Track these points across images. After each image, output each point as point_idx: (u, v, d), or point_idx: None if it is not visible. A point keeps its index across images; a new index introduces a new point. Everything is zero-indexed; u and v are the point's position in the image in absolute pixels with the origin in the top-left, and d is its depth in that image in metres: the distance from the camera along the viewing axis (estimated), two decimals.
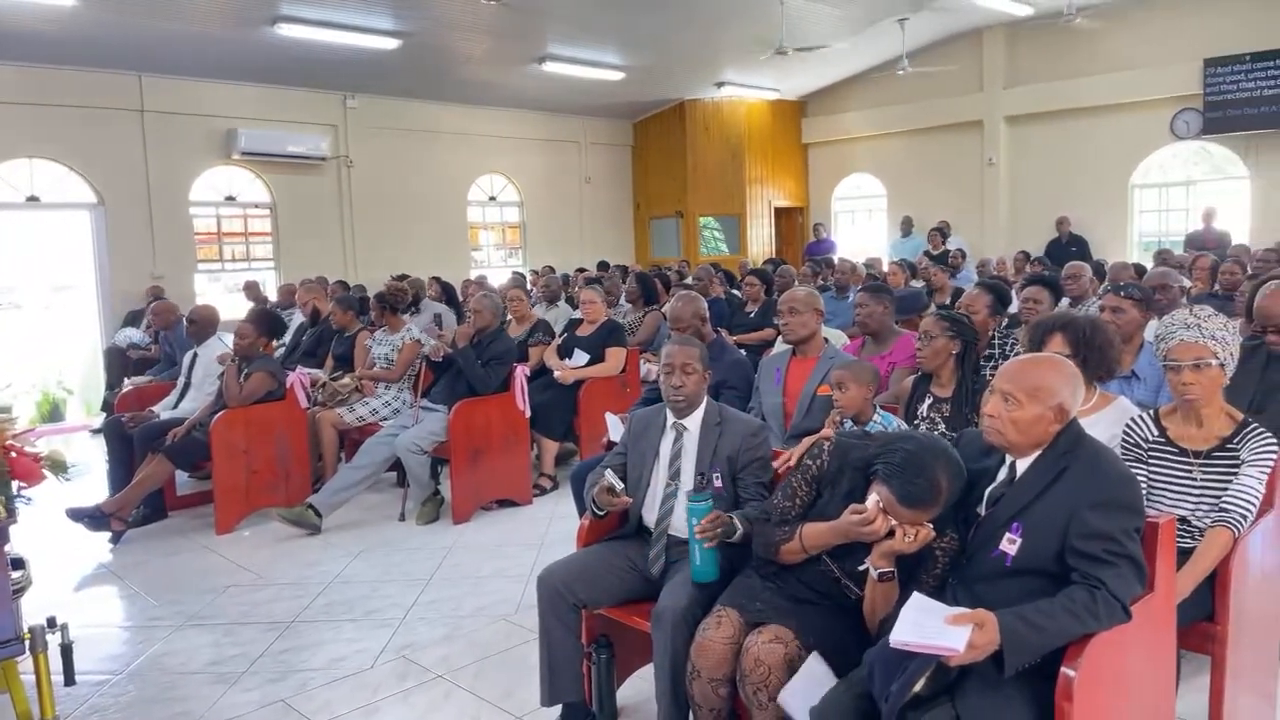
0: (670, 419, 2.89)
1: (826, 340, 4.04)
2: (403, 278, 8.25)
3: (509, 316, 6.31)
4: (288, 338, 7.18)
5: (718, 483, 2.76)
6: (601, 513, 2.85)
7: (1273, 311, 3.27)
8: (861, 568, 2.25)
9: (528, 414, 5.39)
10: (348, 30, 9.51)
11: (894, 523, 2.12)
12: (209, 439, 4.99)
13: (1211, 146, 11.31)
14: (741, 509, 2.69)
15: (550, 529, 4.96)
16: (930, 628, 1.88)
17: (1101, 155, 11.83)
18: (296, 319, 7.63)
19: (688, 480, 2.80)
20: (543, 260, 12.70)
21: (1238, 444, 2.59)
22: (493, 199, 13.68)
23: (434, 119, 12.42)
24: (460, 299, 8.69)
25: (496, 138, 13.21)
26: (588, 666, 2.79)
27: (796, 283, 7.31)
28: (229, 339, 5.44)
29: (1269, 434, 2.59)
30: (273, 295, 9.76)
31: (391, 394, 5.69)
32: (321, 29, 9.35)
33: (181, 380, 5.74)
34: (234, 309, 8.89)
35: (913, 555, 2.17)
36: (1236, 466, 2.56)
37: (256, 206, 11.36)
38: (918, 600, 1.97)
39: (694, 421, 2.86)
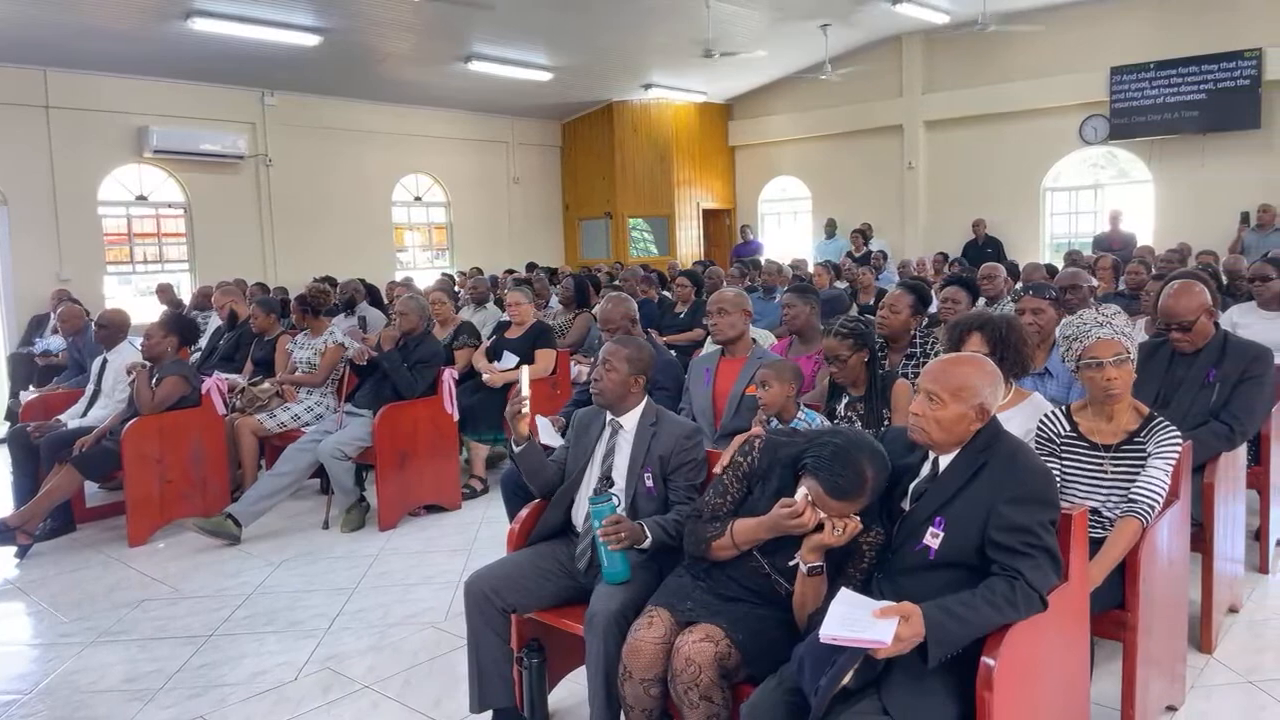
0: (608, 417, 2.90)
1: (755, 340, 4.09)
2: (324, 279, 8.06)
3: (434, 320, 6.22)
4: (204, 342, 6.95)
5: (649, 483, 2.77)
6: (517, 447, 2.84)
7: (1176, 310, 3.42)
8: (791, 563, 2.28)
9: (456, 417, 5.32)
10: (265, 25, 9.24)
11: (822, 516, 2.16)
12: (120, 448, 4.79)
13: (1117, 151, 11.80)
14: (669, 512, 2.70)
15: (480, 534, 4.90)
16: (858, 621, 1.91)
17: (1015, 159, 12.24)
18: (213, 322, 7.39)
19: (620, 479, 2.81)
20: (470, 261, 12.55)
21: (1144, 437, 2.70)
22: (418, 199, 13.47)
23: (357, 117, 12.17)
24: (385, 301, 8.53)
25: (422, 137, 13.01)
26: (518, 672, 2.77)
27: (725, 284, 7.38)
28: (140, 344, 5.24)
29: (1174, 428, 2.71)
30: (187, 298, 9.43)
31: (314, 399, 5.55)
32: (238, 24, 9.06)
33: (90, 387, 5.50)
34: (146, 313, 8.55)
35: (841, 550, 2.21)
36: (1144, 459, 2.67)
37: (170, 206, 10.96)
38: (845, 595, 2.00)
39: (630, 421, 2.87)
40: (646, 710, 2.35)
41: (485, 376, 5.60)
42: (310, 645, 3.61)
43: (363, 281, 8.71)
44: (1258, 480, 3.83)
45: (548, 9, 9.99)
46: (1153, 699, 2.70)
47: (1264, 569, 3.93)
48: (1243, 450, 3.45)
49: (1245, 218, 10.21)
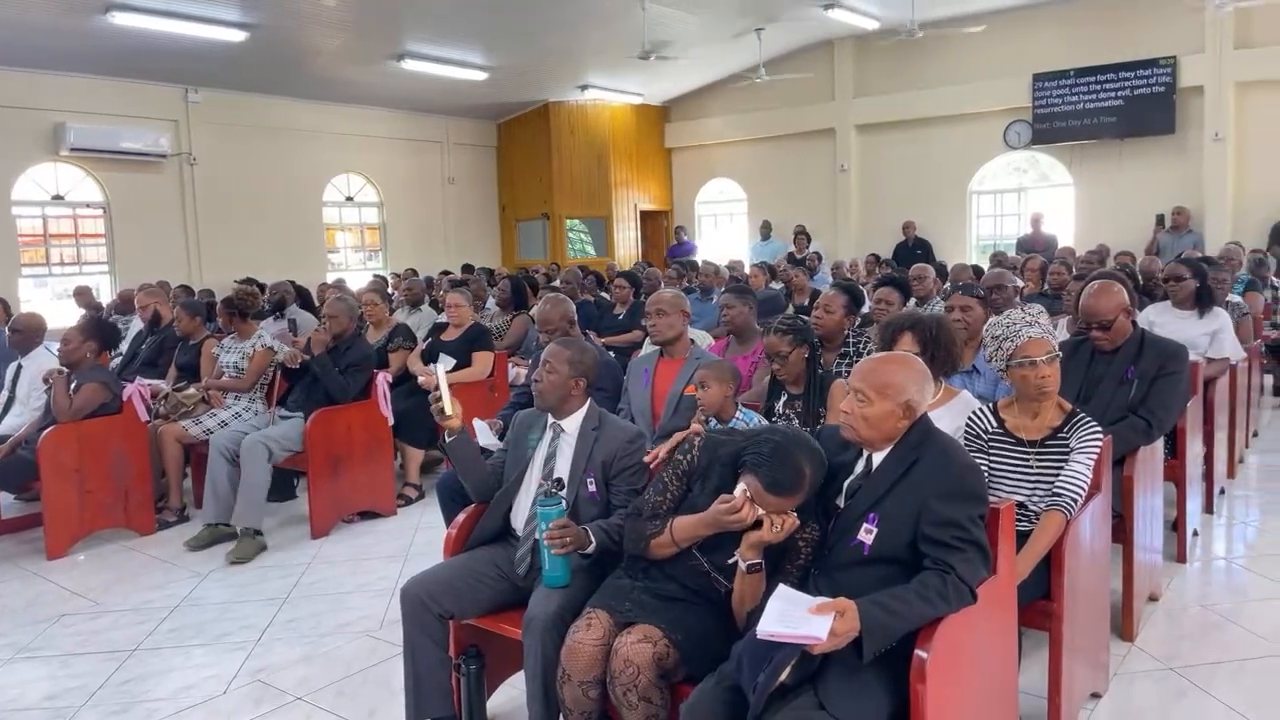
0: (549, 419, 2.88)
1: (693, 341, 4.12)
2: (248, 281, 7.85)
3: (367, 322, 6.11)
4: (125, 346, 6.71)
5: (591, 487, 2.75)
6: (449, 439, 2.83)
7: (1097, 310, 3.54)
8: (730, 561, 2.29)
9: (391, 421, 5.23)
10: (189, 20, 8.97)
11: (761, 512, 2.18)
12: (36, 457, 4.59)
13: (1039, 155, 12.18)
14: (611, 516, 2.70)
15: (416, 540, 4.82)
16: (795, 617, 1.93)
17: (943, 163, 12.55)
18: (135, 326, 7.13)
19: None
20: (404, 263, 12.37)
21: (1068, 433, 2.79)
22: (350, 199, 13.23)
23: (286, 115, 11.89)
24: (316, 303, 8.35)
25: (354, 136, 12.78)
26: (457, 679, 2.73)
27: (663, 285, 7.41)
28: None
29: (1095, 424, 2.80)
30: (107, 301, 9.10)
31: (242, 404, 5.39)
32: (159, 18, 8.78)
33: (4, 394, 5.26)
34: (64, 317, 8.23)
35: (778, 547, 2.23)
36: (1067, 454, 2.76)
37: (88, 206, 10.57)
38: (783, 591, 2.02)
39: (572, 424, 2.85)
40: (585, 712, 2.34)
41: (420, 380, 5.51)
42: (240, 657, 3.50)
43: (293, 283, 8.52)
44: (1174, 473, 3.98)
45: (483, 9, 9.91)
46: (1078, 687, 2.78)
47: (1181, 558, 4.09)
48: (1160, 444, 3.58)
49: (1161, 220, 10.63)
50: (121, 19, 8.60)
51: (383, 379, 5.19)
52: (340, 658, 3.48)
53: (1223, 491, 4.95)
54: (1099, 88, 11.18)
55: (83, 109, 10.05)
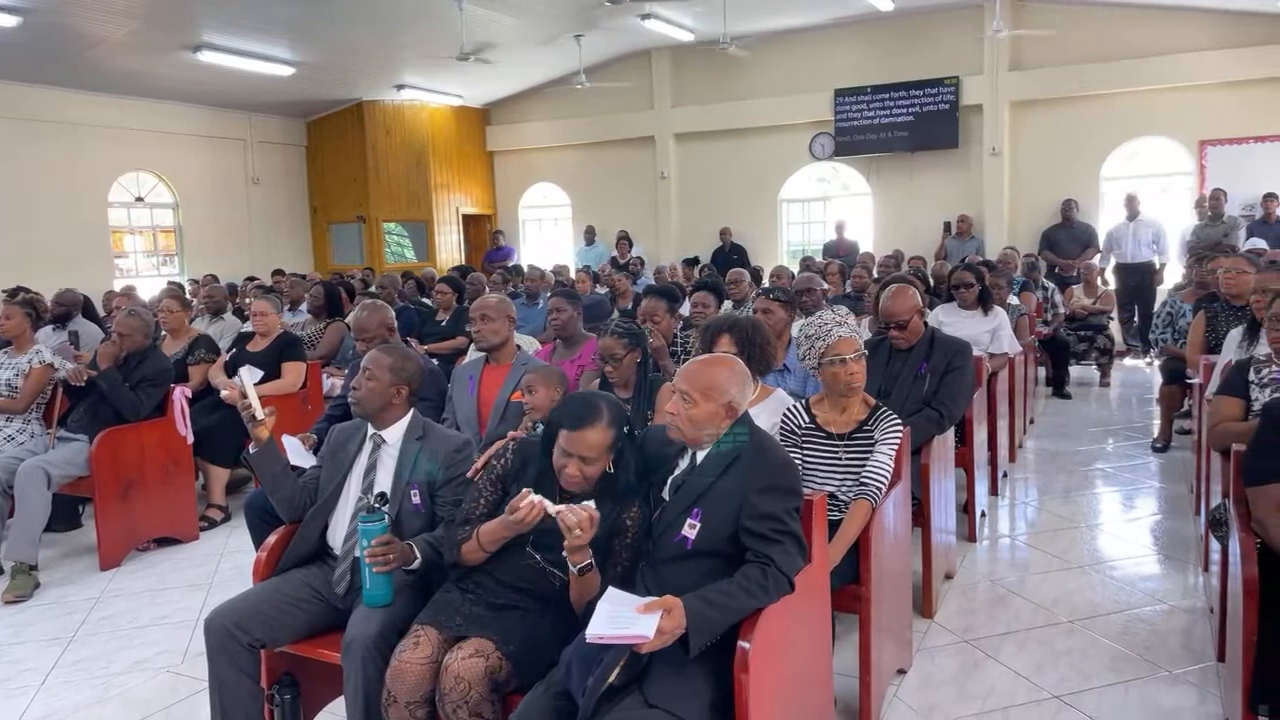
0: (369, 430, 2.75)
1: (519, 347, 4.08)
2: (16, 291, 7.08)
3: (163, 332, 5.66)
4: None
5: (416, 499, 2.66)
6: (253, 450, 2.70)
7: (894, 311, 3.81)
8: (563, 553, 2.28)
9: (190, 440, 4.86)
10: None
11: (547, 504, 2.14)
12: None
13: (841, 166, 12.94)
14: (437, 529, 2.62)
15: (221, 566, 4.51)
16: (622, 618, 1.94)
17: (755, 172, 13.10)
18: None
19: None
20: (204, 268, 11.52)
21: (872, 426, 2.98)
22: (140, 200, 12.20)
23: (65, 108, 10.81)
24: (103, 313, 7.65)
25: (144, 131, 11.78)
26: (270, 710, 2.57)
27: (487, 290, 7.30)
28: None
29: (896, 416, 3.01)
30: None
31: (15, 426, 4.83)
32: None
33: None
34: None
35: (605, 530, 2.25)
36: (872, 445, 2.95)
37: None
38: (611, 594, 2.03)
39: (394, 434, 2.75)
40: None
41: (224, 393, 5.13)
42: (21, 704, 3.16)
43: (71, 292, 7.74)
44: (964, 459, 4.34)
45: (285, 1, 9.41)
46: (885, 664, 2.97)
47: (972, 537, 4.45)
48: (951, 433, 3.90)
49: (947, 227, 11.55)
50: None
51: (180, 394, 4.81)
52: (138, 697, 3.20)
53: (1005, 475, 5.44)
54: (892, 104, 12.01)
55: None
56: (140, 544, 4.70)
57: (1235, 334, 4.29)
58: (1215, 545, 3.20)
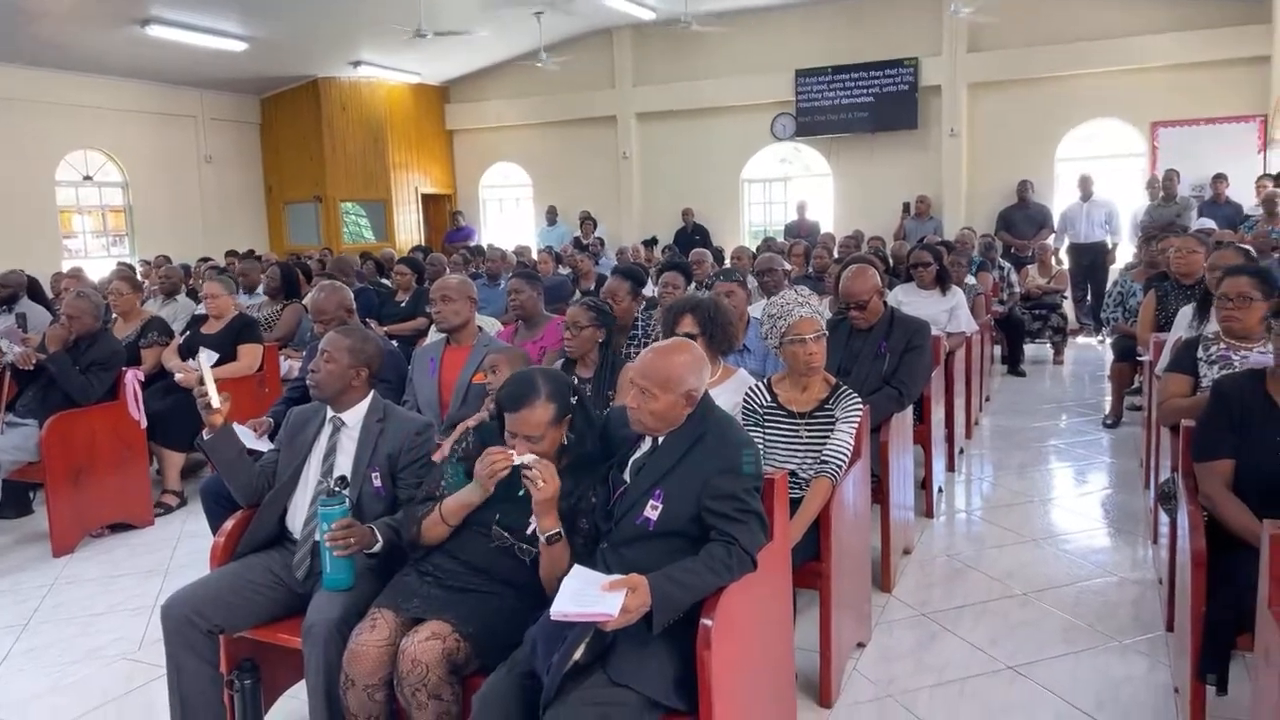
0: (329, 413, 2.72)
1: (480, 328, 4.05)
2: None
3: (113, 314, 5.53)
4: None
5: (377, 483, 2.64)
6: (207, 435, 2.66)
7: (854, 291, 3.84)
8: (530, 530, 2.29)
9: (144, 424, 4.77)
10: None
11: (513, 454, 2.23)
12: None
13: (802, 146, 12.97)
14: (398, 512, 2.60)
15: (178, 552, 4.44)
16: (587, 596, 1.95)
17: (717, 152, 13.08)
18: None
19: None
20: (156, 249, 11.26)
21: (832, 404, 3.00)
22: (89, 179, 11.87)
23: (8, 84, 10.46)
24: (51, 295, 7.45)
25: (92, 109, 11.45)
26: (230, 696, 2.54)
27: (448, 270, 7.23)
28: None
29: (856, 395, 3.04)
30: None
31: None
32: None
33: None
34: None
35: (571, 511, 2.28)
36: (833, 423, 2.98)
37: None
38: (577, 571, 2.05)
39: (354, 416, 2.71)
40: (372, 717, 2.25)
41: (178, 376, 5.05)
42: None
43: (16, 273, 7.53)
44: (921, 436, 4.41)
45: None
46: (845, 638, 3.02)
47: (929, 513, 4.53)
48: (910, 411, 3.95)
49: (906, 208, 11.65)
50: None
51: (133, 377, 4.71)
52: (94, 685, 3.15)
53: (962, 451, 5.54)
54: (853, 85, 12.05)
55: None
56: (94, 530, 4.61)
57: (1186, 312, 4.38)
58: (1164, 518, 3.28)
